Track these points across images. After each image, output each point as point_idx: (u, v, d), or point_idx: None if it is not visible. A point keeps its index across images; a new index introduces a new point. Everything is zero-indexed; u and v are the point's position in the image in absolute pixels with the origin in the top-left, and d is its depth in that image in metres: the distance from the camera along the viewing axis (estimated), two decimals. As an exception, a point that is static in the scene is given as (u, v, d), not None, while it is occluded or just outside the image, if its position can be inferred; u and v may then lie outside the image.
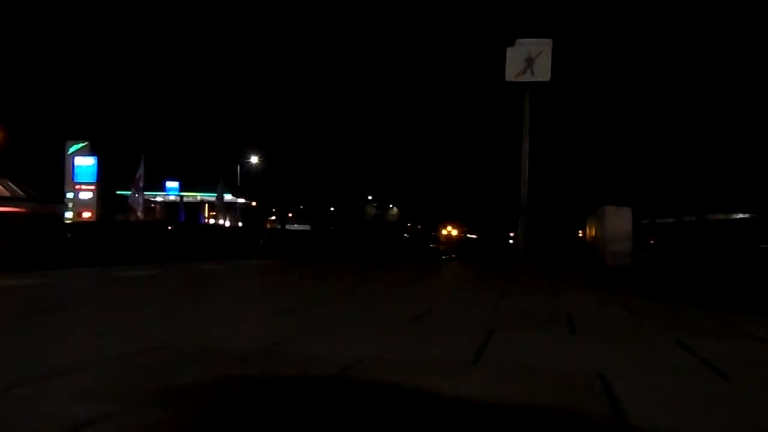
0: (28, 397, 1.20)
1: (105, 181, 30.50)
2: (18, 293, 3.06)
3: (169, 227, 20.96)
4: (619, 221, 7.98)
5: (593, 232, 9.96)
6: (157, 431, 1.03)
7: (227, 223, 35.25)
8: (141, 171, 25.98)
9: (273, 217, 47.47)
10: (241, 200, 40.62)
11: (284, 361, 1.61)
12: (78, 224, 22.10)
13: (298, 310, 2.68)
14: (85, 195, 29.20)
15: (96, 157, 29.86)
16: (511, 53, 6.33)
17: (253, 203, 43.96)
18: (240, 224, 37.37)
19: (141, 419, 1.08)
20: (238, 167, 37.98)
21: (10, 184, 10.51)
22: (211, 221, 39.38)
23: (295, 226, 36.66)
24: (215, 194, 33.34)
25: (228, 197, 36.47)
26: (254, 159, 38.85)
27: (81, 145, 30.07)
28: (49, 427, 1.03)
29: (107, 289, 3.36)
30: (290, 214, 46.53)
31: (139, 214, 25.85)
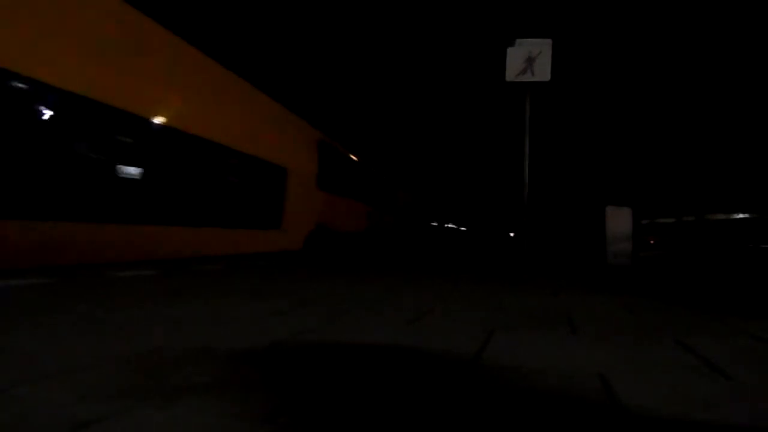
0: (28, 397, 1.20)
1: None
2: (18, 293, 3.07)
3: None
4: (619, 221, 7.98)
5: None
6: (157, 431, 1.03)
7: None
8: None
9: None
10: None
11: (284, 360, 1.61)
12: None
13: (296, 310, 2.68)
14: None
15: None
16: (511, 53, 6.34)
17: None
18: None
19: (141, 419, 1.08)
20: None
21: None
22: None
23: None
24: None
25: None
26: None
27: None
28: (49, 427, 1.03)
29: (107, 290, 3.36)
30: None
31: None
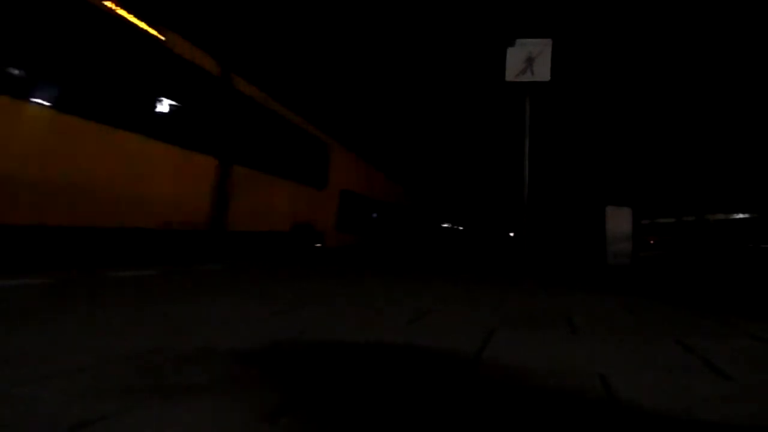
0: (28, 397, 1.20)
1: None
2: (18, 293, 3.06)
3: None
4: (619, 221, 7.99)
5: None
6: (157, 431, 1.03)
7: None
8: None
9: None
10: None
11: (285, 360, 1.61)
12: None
13: (296, 309, 2.68)
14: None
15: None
16: (511, 53, 6.35)
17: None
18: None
19: (141, 419, 1.08)
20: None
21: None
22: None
23: None
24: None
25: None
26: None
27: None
28: (49, 427, 1.03)
29: (107, 290, 3.36)
30: None
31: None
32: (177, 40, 6.12)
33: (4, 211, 4.10)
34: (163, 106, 5.89)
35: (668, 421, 1.15)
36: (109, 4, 5.09)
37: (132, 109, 5.34)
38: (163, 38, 5.86)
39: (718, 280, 5.65)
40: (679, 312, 2.95)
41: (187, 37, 6.32)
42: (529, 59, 6.30)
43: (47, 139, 4.41)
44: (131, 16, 5.41)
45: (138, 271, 4.72)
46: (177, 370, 1.46)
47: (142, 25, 5.57)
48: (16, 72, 4.18)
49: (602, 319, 2.65)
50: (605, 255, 8.00)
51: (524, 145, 6.62)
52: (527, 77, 6.31)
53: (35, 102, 4.29)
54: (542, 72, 6.24)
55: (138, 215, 5.45)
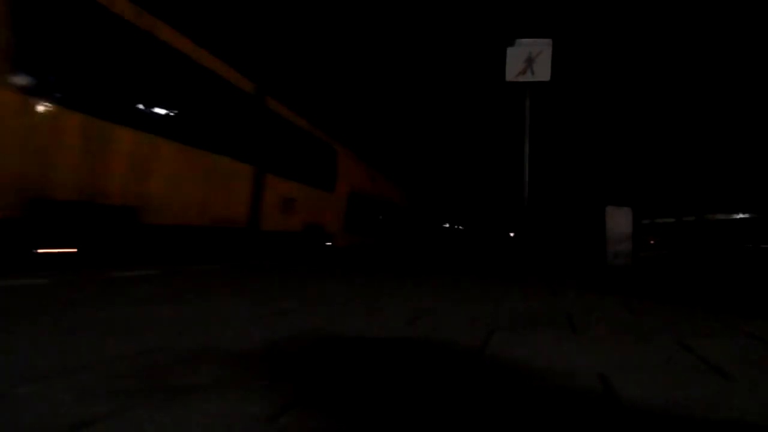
0: (28, 397, 1.20)
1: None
2: (18, 292, 3.06)
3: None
4: (619, 221, 7.99)
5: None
6: (157, 431, 1.03)
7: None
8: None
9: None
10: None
11: (286, 359, 1.61)
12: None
13: (298, 309, 2.68)
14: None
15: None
16: (511, 53, 6.35)
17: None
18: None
19: (141, 419, 1.08)
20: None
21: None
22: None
23: None
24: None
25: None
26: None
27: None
28: (49, 427, 1.03)
29: (108, 290, 3.36)
30: None
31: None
32: None
33: None
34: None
35: (668, 420, 1.15)
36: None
37: None
38: None
39: (717, 279, 5.65)
40: (679, 311, 2.95)
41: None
42: (529, 59, 6.30)
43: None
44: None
45: (140, 271, 4.72)
46: (178, 370, 1.46)
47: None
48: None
49: (602, 318, 2.65)
50: (605, 255, 8.00)
51: (524, 146, 6.61)
52: (527, 77, 6.31)
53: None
54: (542, 72, 6.24)
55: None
